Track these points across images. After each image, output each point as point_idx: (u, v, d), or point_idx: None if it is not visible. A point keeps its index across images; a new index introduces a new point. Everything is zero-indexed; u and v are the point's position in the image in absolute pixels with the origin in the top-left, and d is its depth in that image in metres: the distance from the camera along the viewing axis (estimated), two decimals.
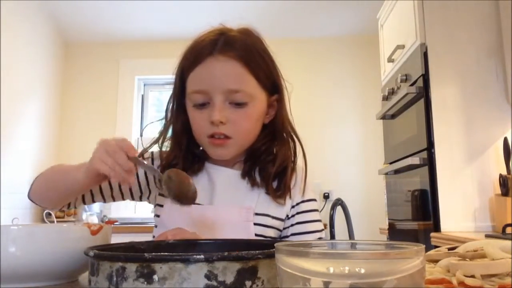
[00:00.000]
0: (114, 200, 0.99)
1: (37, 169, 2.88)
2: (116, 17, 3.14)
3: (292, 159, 0.96)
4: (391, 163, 2.27)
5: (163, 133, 0.97)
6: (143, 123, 3.43)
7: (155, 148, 0.99)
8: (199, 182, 0.91)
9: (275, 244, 0.37)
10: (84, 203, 0.98)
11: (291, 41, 3.30)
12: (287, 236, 0.93)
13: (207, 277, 0.41)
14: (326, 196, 3.15)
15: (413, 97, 1.96)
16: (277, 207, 0.92)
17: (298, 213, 0.94)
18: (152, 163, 0.97)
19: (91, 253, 0.46)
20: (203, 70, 0.87)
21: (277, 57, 0.95)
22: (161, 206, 0.94)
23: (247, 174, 0.94)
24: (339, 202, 2.22)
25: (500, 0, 1.87)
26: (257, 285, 0.43)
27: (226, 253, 0.42)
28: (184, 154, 0.94)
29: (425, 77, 1.87)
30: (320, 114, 3.27)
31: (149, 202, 1.00)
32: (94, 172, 0.75)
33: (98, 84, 3.35)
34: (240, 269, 0.42)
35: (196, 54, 0.88)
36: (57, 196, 0.90)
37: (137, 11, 3.07)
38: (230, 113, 0.87)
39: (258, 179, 0.93)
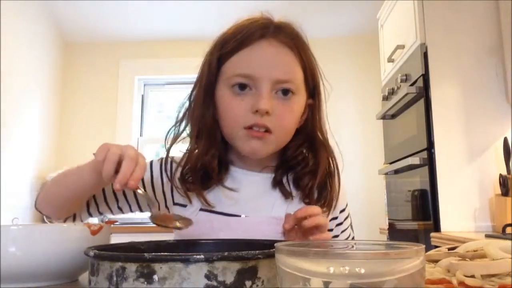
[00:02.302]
0: (122, 211, 0.91)
1: (37, 170, 2.88)
2: (116, 17, 3.14)
3: (329, 171, 0.90)
4: (391, 163, 2.27)
5: (182, 131, 0.85)
6: (143, 123, 3.43)
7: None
8: (224, 189, 0.84)
9: (275, 244, 0.37)
10: (90, 215, 0.91)
11: None
12: None
13: (207, 277, 0.41)
14: None
15: (413, 97, 1.96)
16: None
17: (336, 225, 0.92)
18: (171, 172, 0.86)
19: (91, 253, 0.46)
20: (253, 53, 0.79)
21: None
22: (184, 206, 0.86)
23: (278, 183, 0.86)
24: None
25: (500, 0, 1.87)
26: (257, 285, 0.43)
27: (226, 253, 0.42)
28: (219, 154, 0.83)
29: (425, 77, 1.87)
30: None
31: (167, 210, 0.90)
32: (100, 166, 0.69)
33: (98, 84, 3.34)
34: (240, 269, 0.42)
35: (245, 36, 0.79)
36: (62, 201, 0.85)
37: (137, 11, 3.07)
38: (275, 104, 0.79)
39: (291, 188, 0.86)
